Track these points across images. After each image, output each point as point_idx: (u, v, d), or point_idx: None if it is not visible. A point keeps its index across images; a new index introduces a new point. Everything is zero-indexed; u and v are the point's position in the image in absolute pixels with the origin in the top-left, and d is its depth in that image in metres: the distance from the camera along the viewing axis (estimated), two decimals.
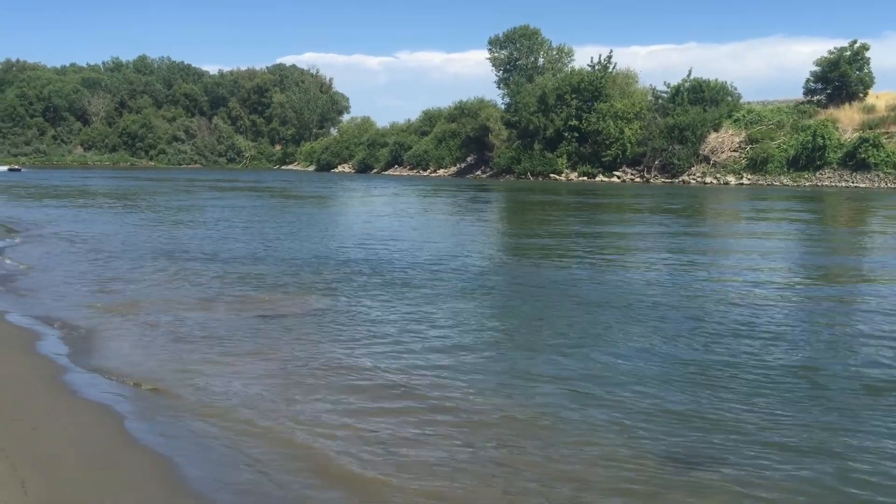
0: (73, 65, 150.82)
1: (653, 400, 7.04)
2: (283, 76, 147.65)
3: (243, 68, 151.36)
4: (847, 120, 64.13)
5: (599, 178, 75.14)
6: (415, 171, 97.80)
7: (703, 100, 72.17)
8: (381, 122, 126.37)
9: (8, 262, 15.73)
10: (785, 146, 64.82)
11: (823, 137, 61.44)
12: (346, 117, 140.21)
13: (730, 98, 73.80)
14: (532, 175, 79.42)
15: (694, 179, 68.46)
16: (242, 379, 7.63)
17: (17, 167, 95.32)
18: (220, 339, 9.22)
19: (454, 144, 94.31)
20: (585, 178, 76.14)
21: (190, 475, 5.43)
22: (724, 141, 69.03)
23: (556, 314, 10.93)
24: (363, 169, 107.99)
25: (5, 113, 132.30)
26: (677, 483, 5.34)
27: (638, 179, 72.87)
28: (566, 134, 78.34)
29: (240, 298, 11.95)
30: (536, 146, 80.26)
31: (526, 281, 14.03)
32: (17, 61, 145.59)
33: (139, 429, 6.29)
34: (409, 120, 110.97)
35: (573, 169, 78.40)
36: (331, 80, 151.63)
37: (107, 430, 6.21)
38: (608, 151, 74.58)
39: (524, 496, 5.14)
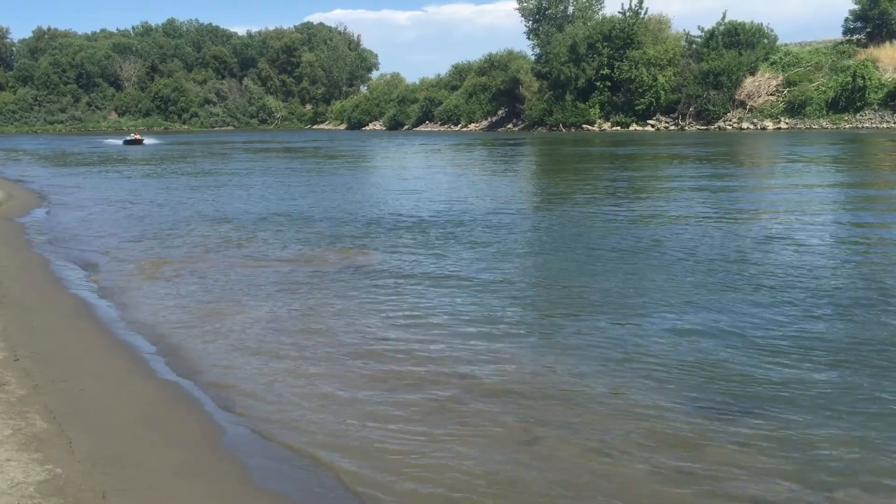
0: (103, 30, 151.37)
1: (693, 354, 7.05)
2: (312, 35, 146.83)
3: (271, 28, 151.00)
4: (888, 59, 62.17)
5: (633, 127, 74.10)
6: (446, 126, 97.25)
7: (738, 43, 70.42)
8: (411, 77, 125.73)
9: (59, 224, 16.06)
10: (824, 88, 63.22)
11: (864, 78, 59.74)
12: (375, 74, 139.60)
13: (766, 41, 71.85)
14: (564, 126, 78.56)
15: (730, 125, 67.24)
16: (295, 347, 7.76)
17: (137, 137, 70.39)
18: (274, 298, 9.37)
19: (485, 98, 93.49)
20: (619, 127, 75.15)
21: (232, 434, 5.59)
22: (761, 85, 67.49)
23: (595, 269, 10.91)
24: (394, 126, 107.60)
25: (40, 81, 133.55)
26: (718, 436, 5.38)
27: (672, 127, 71.75)
28: (598, 83, 77.22)
29: (289, 257, 12.10)
30: (568, 97, 79.25)
31: (561, 234, 13.99)
32: (49, 29, 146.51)
33: (184, 391, 6.45)
34: (438, 75, 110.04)
35: (606, 119, 77.39)
36: (359, 37, 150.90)
37: (152, 392, 6.38)
38: (641, 100, 73.40)
39: (557, 453, 5.21)
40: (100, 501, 4.29)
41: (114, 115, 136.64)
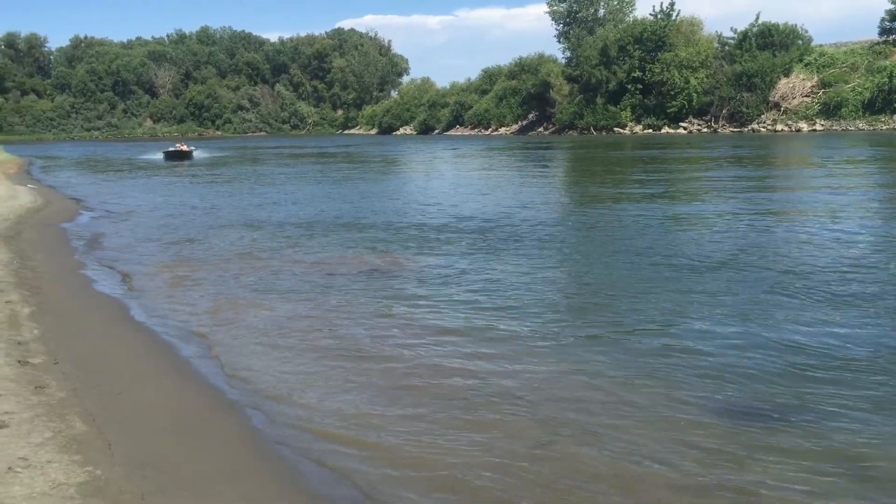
0: (138, 38, 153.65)
1: (731, 361, 6.99)
2: (343, 40, 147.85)
3: (303, 34, 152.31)
4: None
5: (665, 129, 73.62)
6: (476, 130, 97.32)
7: (772, 44, 69.70)
8: (441, 82, 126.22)
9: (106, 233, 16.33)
10: (860, 89, 62.33)
11: None
12: (405, 79, 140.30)
13: (800, 41, 71.06)
14: (595, 130, 78.30)
15: (764, 127, 66.54)
16: (331, 351, 7.82)
17: (183, 147, 51.68)
18: (315, 302, 9.45)
19: (515, 102, 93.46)
20: (650, 130, 74.69)
21: (270, 435, 5.64)
22: (796, 86, 66.72)
23: (628, 274, 10.86)
24: (424, 130, 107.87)
25: (77, 89, 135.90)
26: (754, 447, 5.32)
27: (705, 130, 71.15)
28: (629, 86, 76.87)
29: (327, 259, 12.20)
30: (599, 100, 78.99)
31: (593, 238, 13.94)
32: (86, 38, 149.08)
33: (221, 394, 6.53)
34: (469, 79, 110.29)
35: (637, 122, 77.02)
36: (389, 42, 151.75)
37: (189, 395, 6.46)
38: (673, 102, 72.96)
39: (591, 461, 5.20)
40: (139, 502, 4.35)
41: (149, 122, 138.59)
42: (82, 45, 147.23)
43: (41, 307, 8.81)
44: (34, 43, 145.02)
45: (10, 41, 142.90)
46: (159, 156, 51.10)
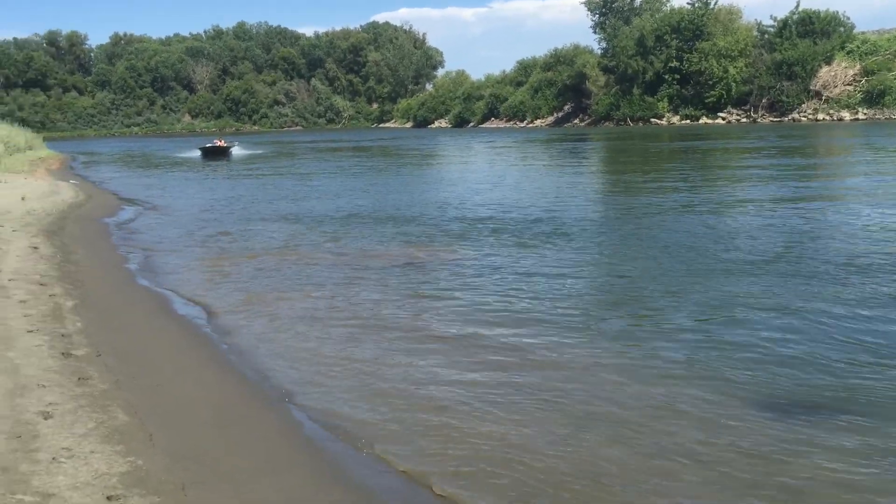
0: (176, 35, 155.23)
1: (774, 356, 6.88)
2: (378, 34, 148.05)
3: (338, 29, 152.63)
4: None
5: (703, 120, 72.71)
6: (511, 122, 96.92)
7: (812, 32, 68.39)
8: (476, 74, 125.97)
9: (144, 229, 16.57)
10: None
11: None
12: (440, 72, 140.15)
13: (842, 29, 69.59)
14: (632, 121, 77.57)
15: (805, 117, 65.40)
16: (370, 343, 7.85)
17: (220, 143, 47.93)
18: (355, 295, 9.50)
19: (550, 94, 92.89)
20: (688, 121, 73.82)
21: (309, 428, 5.68)
22: (837, 74, 65.43)
23: (667, 264, 10.75)
24: (460, 123, 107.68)
25: (117, 85, 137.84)
26: (799, 446, 5.23)
27: (744, 120, 70.12)
28: (666, 76, 76.01)
29: (363, 252, 12.25)
30: (636, 91, 78.21)
31: (632, 231, 13.83)
32: (125, 35, 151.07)
33: (260, 387, 6.58)
34: (504, 71, 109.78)
35: (675, 112, 76.14)
36: (424, 35, 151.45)
37: (229, 387, 6.52)
38: (711, 92, 71.99)
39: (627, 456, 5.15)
40: (180, 493, 4.40)
41: (187, 118, 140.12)
42: (122, 42, 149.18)
43: (84, 300, 8.95)
44: (75, 41, 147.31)
45: (52, 39, 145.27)
46: (196, 153, 47.29)
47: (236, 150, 48.93)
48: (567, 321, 8.07)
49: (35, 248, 12.20)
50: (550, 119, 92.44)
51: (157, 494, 4.33)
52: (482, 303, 8.96)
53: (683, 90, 75.37)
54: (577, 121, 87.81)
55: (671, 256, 11.15)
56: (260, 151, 48.36)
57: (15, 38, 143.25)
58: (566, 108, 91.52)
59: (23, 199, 18.17)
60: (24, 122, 67.99)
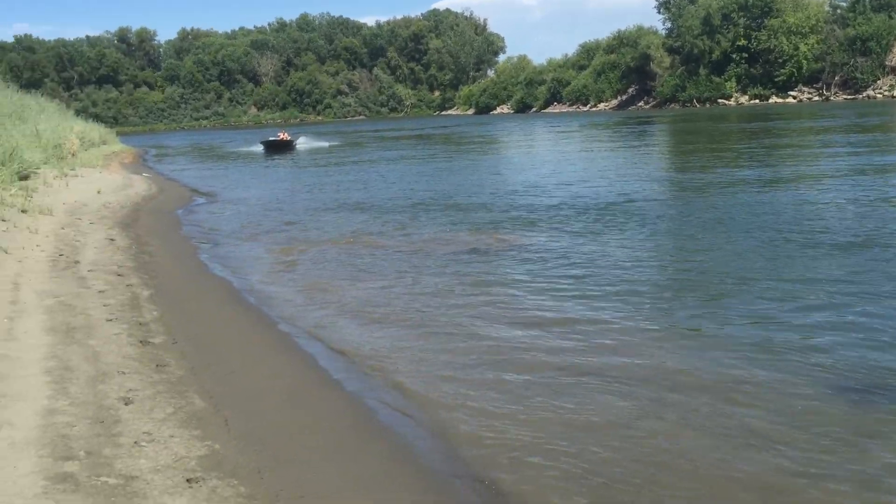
0: (241, 28, 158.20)
1: (851, 345, 6.70)
2: (439, 21, 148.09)
3: (399, 17, 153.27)
4: None
5: (773, 99, 70.86)
6: (574, 106, 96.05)
7: (888, 6, 65.91)
8: (538, 59, 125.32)
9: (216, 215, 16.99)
10: None
11: None
12: (502, 58, 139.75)
13: None
14: (698, 102, 76.06)
15: (880, 94, 63.14)
16: (438, 328, 7.92)
17: (284, 137, 45.47)
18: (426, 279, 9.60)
19: (614, 76, 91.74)
20: (757, 100, 72.04)
21: (380, 413, 5.76)
22: None
23: (738, 251, 10.54)
24: (522, 108, 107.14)
25: (185, 80, 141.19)
26: (881, 433, 5.10)
27: (816, 98, 68.10)
28: (734, 55, 74.26)
29: (428, 239, 12.35)
30: (702, 71, 76.65)
31: (701, 216, 13.58)
32: (192, 30, 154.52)
33: (329, 371, 6.70)
34: (566, 55, 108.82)
35: (743, 92, 74.39)
36: (485, 21, 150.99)
37: (299, 373, 6.66)
38: (781, 71, 70.12)
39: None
40: (255, 476, 4.52)
41: (253, 110, 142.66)
42: (189, 37, 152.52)
43: (159, 290, 9.23)
44: (144, 37, 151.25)
45: (123, 36, 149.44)
46: (258, 147, 44.82)
47: (302, 143, 46.74)
48: (635, 306, 8.00)
49: (111, 239, 12.61)
50: (614, 102, 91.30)
51: (234, 477, 4.46)
52: (549, 288, 8.94)
53: (752, 69, 73.53)
54: (641, 103, 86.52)
55: (744, 239, 10.93)
56: (325, 144, 47.56)
57: (87, 37, 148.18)
58: (630, 90, 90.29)
59: (98, 192, 18.78)
60: (97, 118, 70.05)
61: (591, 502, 4.36)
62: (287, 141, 44.45)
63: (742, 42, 73.42)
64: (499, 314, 8.05)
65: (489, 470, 4.79)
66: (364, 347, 7.23)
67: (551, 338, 7.14)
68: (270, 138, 45.29)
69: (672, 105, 79.10)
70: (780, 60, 70.28)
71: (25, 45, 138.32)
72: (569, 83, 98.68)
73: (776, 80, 71.10)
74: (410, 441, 5.29)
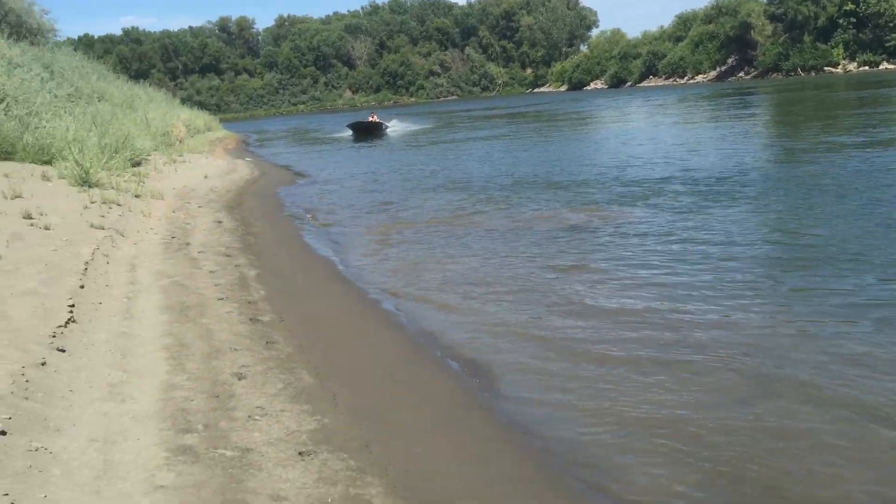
0: (335, 13, 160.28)
1: None
2: None
3: None
4: None
5: (884, 66, 67.27)
6: (671, 79, 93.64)
7: None
8: (632, 32, 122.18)
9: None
10: None
11: None
12: (594, 32, 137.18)
13: None
14: (802, 71, 72.99)
15: None
16: (539, 308, 7.92)
17: (374, 119, 42.98)
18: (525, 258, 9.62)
19: (712, 47, 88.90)
20: (866, 67, 68.56)
21: (479, 390, 5.80)
22: None
23: (849, 226, 10.09)
24: (616, 83, 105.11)
25: (283, 66, 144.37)
26: None
27: None
28: (841, 21, 70.76)
29: (526, 216, 12.34)
30: (806, 38, 73.40)
31: (810, 189, 13.06)
32: (289, 16, 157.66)
33: (431, 349, 6.77)
34: (661, 27, 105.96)
35: (851, 59, 70.92)
36: None
37: (401, 349, 6.77)
38: (893, 35, 66.39)
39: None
40: (364, 451, 4.63)
41: (348, 93, 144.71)
42: (286, 23, 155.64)
43: (265, 270, 9.51)
44: (244, 25, 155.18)
45: (223, 26, 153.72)
46: (347, 132, 43.02)
47: (394, 127, 44.09)
48: (742, 281, 7.79)
49: (219, 222, 13.06)
50: (713, 74, 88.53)
51: (343, 451, 4.58)
52: (651, 265, 8.79)
53: (860, 35, 69.93)
54: (741, 74, 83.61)
55: (858, 214, 10.43)
56: (417, 127, 45.75)
57: (190, 27, 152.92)
58: (729, 61, 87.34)
59: (205, 177, 19.46)
60: (201, 105, 72.51)
61: (702, 480, 4.29)
62: (377, 123, 41.98)
63: (849, 6, 69.85)
64: (602, 292, 7.96)
65: (596, 449, 4.77)
66: (465, 326, 7.27)
67: (655, 317, 7.02)
68: (359, 121, 43.31)
69: (774, 75, 76.10)
70: (892, 24, 66.56)
71: (133, 37, 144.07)
72: (665, 56, 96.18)
73: (887, 45, 67.40)
74: (511, 416, 5.32)
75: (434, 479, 4.40)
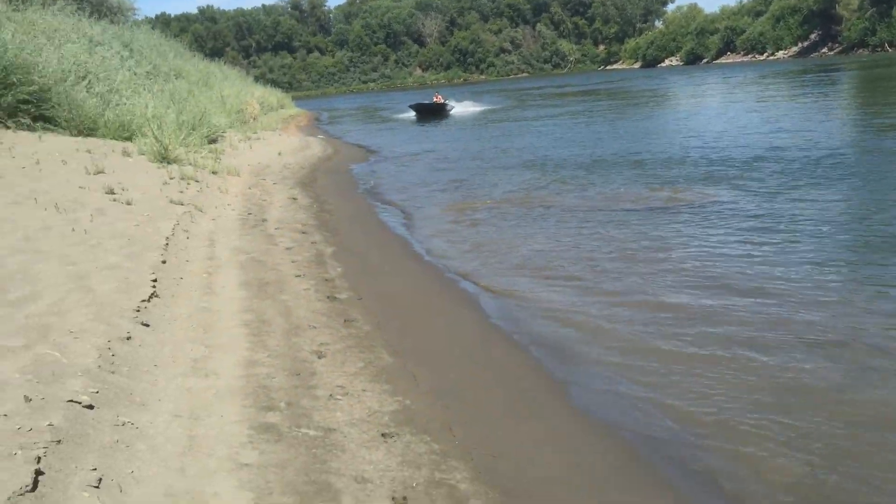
0: None
1: None
2: None
3: None
4: None
5: None
6: (749, 56, 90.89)
7: None
8: (710, 7, 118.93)
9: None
10: None
11: None
12: (671, 7, 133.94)
13: None
14: (890, 46, 69.81)
15: None
16: (613, 292, 7.71)
17: (438, 98, 41.54)
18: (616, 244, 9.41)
19: (794, 22, 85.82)
20: None
21: (558, 372, 5.65)
22: None
23: None
24: (692, 60, 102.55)
25: (354, 44, 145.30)
26: None
27: None
28: None
29: (600, 197, 12.08)
30: (895, 12, 70.09)
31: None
32: None
33: (509, 331, 6.63)
34: (741, 1, 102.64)
35: None
36: None
37: (479, 330, 6.64)
38: None
39: None
40: (447, 432, 4.53)
41: (418, 71, 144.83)
42: (357, 1, 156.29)
43: (340, 247, 9.49)
44: (316, 3, 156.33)
45: (296, 4, 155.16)
46: (410, 113, 41.18)
47: (457, 110, 41.59)
48: (831, 266, 7.44)
49: (294, 198, 13.12)
50: (794, 50, 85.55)
51: (426, 433, 4.48)
52: (735, 247, 8.48)
53: None
54: (825, 50, 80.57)
55: None
56: (482, 108, 42.86)
57: (263, 6, 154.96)
58: (812, 36, 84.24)
59: (279, 154, 19.62)
60: (274, 83, 73.34)
61: (806, 466, 4.06)
62: (441, 104, 40.15)
63: None
64: (684, 276, 7.68)
65: (698, 440, 4.57)
66: (541, 310, 7.09)
67: (739, 302, 6.73)
68: (422, 102, 41.63)
69: (860, 51, 73.05)
70: None
71: (208, 15, 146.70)
72: (744, 31, 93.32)
73: None
74: (591, 398, 5.17)
75: (520, 465, 4.27)
